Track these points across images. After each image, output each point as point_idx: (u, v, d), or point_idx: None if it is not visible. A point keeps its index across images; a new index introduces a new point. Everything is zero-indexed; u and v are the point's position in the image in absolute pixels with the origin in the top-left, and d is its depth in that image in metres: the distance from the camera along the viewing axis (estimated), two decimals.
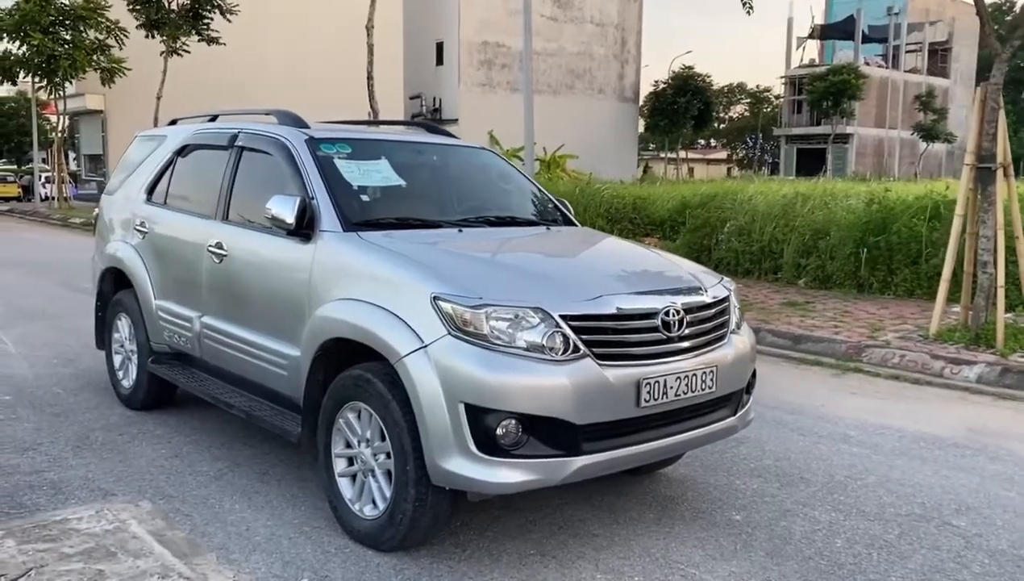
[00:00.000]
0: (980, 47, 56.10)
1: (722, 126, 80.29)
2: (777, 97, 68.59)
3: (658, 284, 3.72)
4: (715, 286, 3.88)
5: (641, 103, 50.90)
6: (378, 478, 3.52)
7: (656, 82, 49.57)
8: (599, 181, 19.28)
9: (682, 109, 46.93)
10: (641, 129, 53.68)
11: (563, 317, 3.27)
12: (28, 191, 39.10)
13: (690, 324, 3.55)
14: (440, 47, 43.28)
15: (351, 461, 3.66)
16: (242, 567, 3.38)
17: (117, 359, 5.70)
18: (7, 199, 37.44)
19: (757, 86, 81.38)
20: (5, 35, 28.00)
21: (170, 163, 5.33)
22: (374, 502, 3.54)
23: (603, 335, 3.34)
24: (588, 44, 46.89)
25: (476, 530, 3.76)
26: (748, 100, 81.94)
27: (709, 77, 50.68)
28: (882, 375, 6.95)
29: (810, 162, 46.42)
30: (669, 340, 3.46)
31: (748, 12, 10.32)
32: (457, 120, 38.62)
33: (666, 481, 4.44)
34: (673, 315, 3.48)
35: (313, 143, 4.28)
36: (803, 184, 16.60)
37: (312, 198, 3.99)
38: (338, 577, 3.32)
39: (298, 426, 3.90)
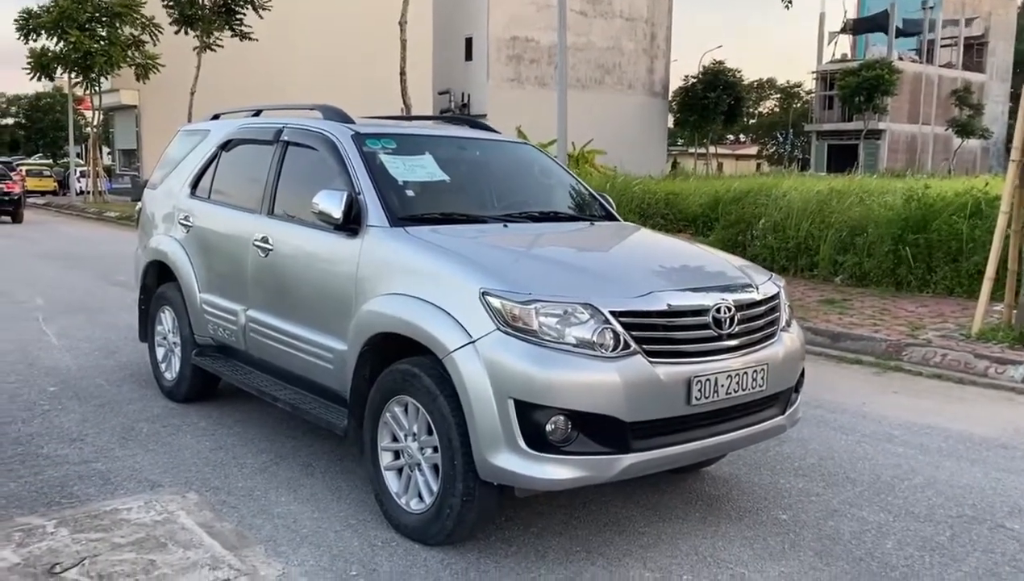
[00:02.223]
0: (1018, 40, 55.14)
1: (752, 122, 79.61)
2: (808, 92, 67.82)
3: (708, 281, 3.69)
4: (765, 283, 3.83)
5: (670, 98, 50.57)
6: (425, 472, 3.53)
7: (686, 77, 49.18)
8: (631, 177, 19.17)
9: (712, 104, 46.54)
10: (670, 124, 53.35)
11: (613, 313, 3.24)
12: (63, 185, 39.73)
13: (741, 322, 3.51)
14: (469, 42, 43.29)
15: (397, 455, 3.67)
16: (290, 560, 3.40)
17: (160, 352, 5.76)
18: (43, 193, 38.04)
19: (788, 81, 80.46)
20: (43, 32, 28.47)
21: (214, 157, 5.37)
22: (421, 496, 3.54)
23: (653, 332, 3.31)
24: (617, 39, 46.68)
25: (521, 526, 3.75)
26: (778, 95, 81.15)
27: (739, 72, 50.23)
28: (924, 374, 6.84)
29: (841, 158, 45.88)
30: (720, 338, 3.43)
31: (787, 6, 10.20)
32: (486, 115, 38.59)
33: (710, 479, 4.40)
34: (724, 312, 3.45)
35: (359, 138, 4.29)
36: (837, 180, 16.41)
37: (359, 193, 3.99)
38: (386, 570, 3.33)
39: (344, 419, 3.92)
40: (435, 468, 3.46)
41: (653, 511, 3.98)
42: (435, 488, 3.45)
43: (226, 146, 5.31)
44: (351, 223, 3.92)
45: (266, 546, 3.51)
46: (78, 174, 36.88)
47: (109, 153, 42.30)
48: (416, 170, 4.37)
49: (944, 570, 3.44)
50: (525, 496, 3.58)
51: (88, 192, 33.78)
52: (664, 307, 3.34)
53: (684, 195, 15.84)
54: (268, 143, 4.80)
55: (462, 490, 3.32)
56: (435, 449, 3.43)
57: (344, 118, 4.57)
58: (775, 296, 3.81)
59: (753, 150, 79.69)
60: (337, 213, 3.88)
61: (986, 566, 3.49)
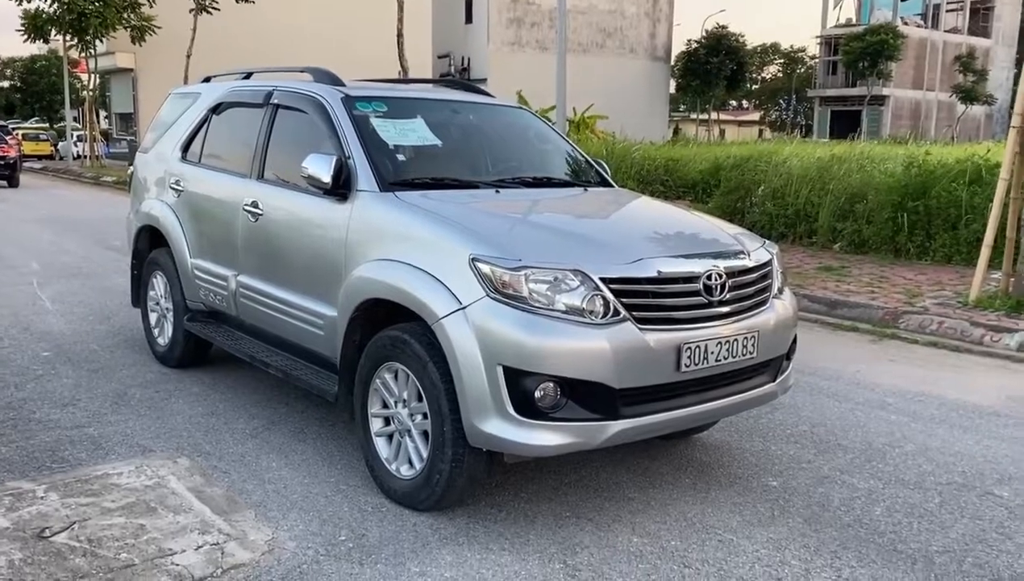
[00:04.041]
0: None
1: (755, 87, 78.93)
2: (812, 58, 67.22)
3: (700, 247, 3.66)
4: (758, 250, 3.80)
5: (673, 63, 50.05)
6: (415, 438, 3.52)
7: (689, 41, 48.77)
8: (631, 142, 19.04)
9: (715, 69, 46.19)
10: (672, 90, 52.87)
11: (603, 280, 3.22)
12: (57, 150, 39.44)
13: (732, 288, 3.49)
14: (469, 5, 42.73)
15: (388, 421, 3.66)
16: (280, 524, 3.40)
17: (153, 317, 5.74)
18: (40, 157, 37.79)
19: (791, 46, 79.84)
20: None
21: (204, 121, 5.30)
22: (411, 462, 3.54)
23: (643, 299, 3.29)
24: (620, 1, 46.04)
25: (511, 491, 3.76)
26: (782, 61, 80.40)
27: (742, 37, 49.76)
28: (920, 342, 6.83)
29: (844, 124, 45.54)
30: (710, 305, 3.40)
31: None
32: (486, 79, 38.22)
33: (701, 446, 4.41)
34: (715, 279, 3.42)
35: (349, 101, 4.23)
36: (839, 146, 16.29)
37: (348, 157, 3.94)
38: (375, 536, 3.33)
39: (335, 385, 3.91)
40: (425, 434, 3.45)
41: (643, 477, 3.98)
42: (425, 454, 3.45)
43: (217, 109, 5.24)
44: (340, 187, 3.87)
45: (256, 511, 3.51)
46: (75, 138, 36.57)
47: (106, 117, 41.94)
48: (407, 134, 4.31)
49: (931, 536, 3.45)
50: (514, 462, 3.59)
51: (85, 156, 33.55)
52: (654, 274, 3.31)
53: (684, 161, 15.75)
54: (258, 106, 4.74)
55: (451, 456, 3.31)
56: (425, 415, 3.42)
57: (334, 80, 4.50)
58: (767, 263, 3.78)
59: (756, 116, 79.09)
60: (326, 177, 3.83)
61: (973, 533, 3.49)
